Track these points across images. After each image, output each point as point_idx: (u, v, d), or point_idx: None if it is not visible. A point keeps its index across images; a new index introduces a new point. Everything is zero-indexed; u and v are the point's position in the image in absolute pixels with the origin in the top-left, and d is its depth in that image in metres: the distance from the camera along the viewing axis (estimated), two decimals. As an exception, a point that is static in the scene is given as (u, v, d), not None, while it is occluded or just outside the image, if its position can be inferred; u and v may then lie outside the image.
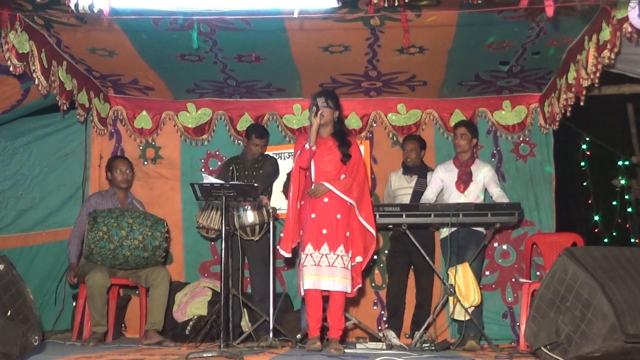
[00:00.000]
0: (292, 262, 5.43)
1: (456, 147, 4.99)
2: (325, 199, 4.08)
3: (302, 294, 4.06)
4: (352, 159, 4.15)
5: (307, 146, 4.08)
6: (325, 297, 4.09)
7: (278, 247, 4.20)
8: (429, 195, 4.97)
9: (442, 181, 5.00)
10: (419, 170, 5.32)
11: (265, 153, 5.34)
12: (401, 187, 5.31)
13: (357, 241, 4.11)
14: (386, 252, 5.57)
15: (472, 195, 4.86)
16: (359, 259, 4.10)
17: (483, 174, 4.89)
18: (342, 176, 4.13)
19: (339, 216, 4.06)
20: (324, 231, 4.02)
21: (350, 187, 4.09)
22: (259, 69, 5.14)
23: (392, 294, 5.28)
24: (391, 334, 4.69)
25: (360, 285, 4.14)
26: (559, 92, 5.01)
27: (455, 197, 4.88)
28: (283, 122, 5.92)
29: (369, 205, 4.20)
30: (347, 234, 4.07)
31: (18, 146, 5.78)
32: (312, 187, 4.09)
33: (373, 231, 4.13)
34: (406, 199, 5.20)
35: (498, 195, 4.80)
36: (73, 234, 4.91)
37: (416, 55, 4.82)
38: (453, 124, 5.53)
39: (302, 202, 4.15)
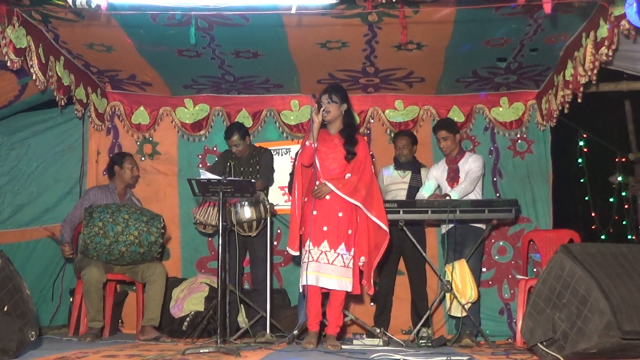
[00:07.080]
0: (290, 258, 5.43)
1: (443, 150, 5.01)
2: (327, 197, 4.02)
3: (301, 289, 4.04)
4: (358, 157, 4.06)
5: (307, 143, 4.04)
6: (325, 292, 4.07)
7: (287, 248, 4.14)
8: (425, 195, 4.96)
9: (436, 180, 5.02)
10: (412, 166, 5.31)
11: (259, 147, 5.33)
12: (394, 182, 5.29)
13: (361, 240, 4.05)
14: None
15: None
16: (362, 259, 4.03)
17: (468, 164, 4.88)
18: (348, 175, 4.06)
19: (340, 214, 4.00)
20: (325, 228, 3.98)
21: (356, 188, 4.00)
22: (257, 65, 5.14)
23: (383, 293, 5.25)
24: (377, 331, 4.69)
25: (377, 280, 4.08)
26: (556, 88, 5.02)
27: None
28: (280, 118, 5.91)
29: (380, 202, 4.09)
30: (349, 232, 4.02)
31: (15, 141, 5.77)
32: (316, 188, 4.02)
33: (386, 227, 4.02)
34: (401, 194, 5.18)
35: (457, 188, 4.73)
36: (65, 221, 4.88)
37: (414, 51, 4.81)
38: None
39: (306, 199, 4.10)
